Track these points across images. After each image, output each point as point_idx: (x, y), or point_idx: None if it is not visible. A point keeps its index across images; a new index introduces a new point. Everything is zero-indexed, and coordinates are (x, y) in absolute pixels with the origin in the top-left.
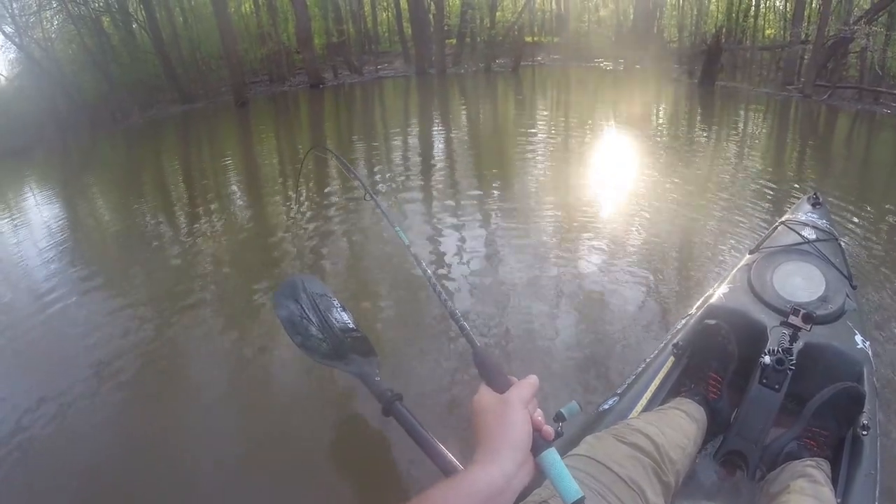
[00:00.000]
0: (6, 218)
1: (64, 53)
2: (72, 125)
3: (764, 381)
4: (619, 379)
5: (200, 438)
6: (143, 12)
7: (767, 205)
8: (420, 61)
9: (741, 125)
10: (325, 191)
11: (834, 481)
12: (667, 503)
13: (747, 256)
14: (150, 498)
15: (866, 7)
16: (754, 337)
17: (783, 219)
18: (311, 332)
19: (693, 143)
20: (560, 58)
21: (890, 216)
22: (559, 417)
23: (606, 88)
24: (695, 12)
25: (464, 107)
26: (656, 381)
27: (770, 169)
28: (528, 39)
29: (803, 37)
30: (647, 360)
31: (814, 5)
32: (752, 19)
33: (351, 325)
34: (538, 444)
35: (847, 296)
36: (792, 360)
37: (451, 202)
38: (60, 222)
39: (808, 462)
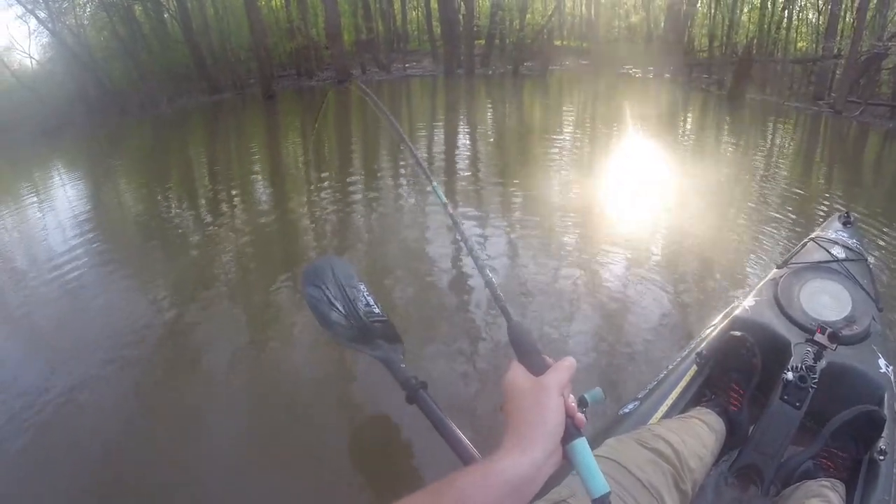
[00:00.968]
0: (32, 196)
1: (95, 40)
2: (100, 111)
3: (785, 397)
4: (640, 384)
5: (220, 419)
6: (174, 2)
7: (793, 220)
8: (448, 61)
9: (770, 138)
10: (349, 179)
11: None
12: None
13: (774, 270)
14: (166, 477)
15: None
16: (778, 352)
17: (812, 235)
18: (338, 315)
19: (721, 155)
20: (589, 63)
21: None
22: (582, 403)
23: (635, 96)
24: (726, 23)
25: (490, 109)
26: (678, 389)
27: (798, 184)
28: (558, 43)
29: (836, 51)
30: (670, 367)
31: (847, 19)
32: (783, 31)
33: (377, 311)
34: (570, 432)
35: (873, 318)
36: (815, 378)
37: (473, 204)
38: (85, 203)
39: (824, 482)
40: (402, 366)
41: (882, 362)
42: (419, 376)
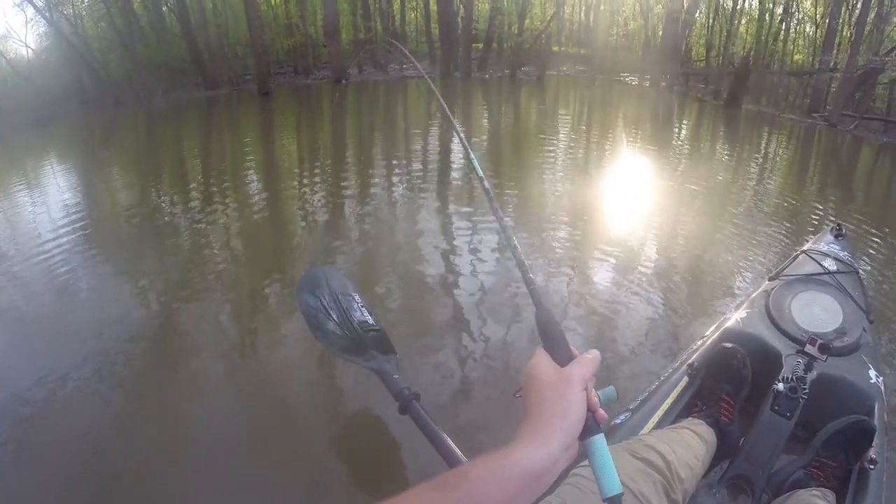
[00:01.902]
0: (24, 186)
1: (93, 31)
2: (95, 102)
3: (776, 407)
4: (631, 394)
5: (209, 425)
6: None
7: (786, 232)
8: (446, 63)
9: (765, 150)
10: (343, 183)
11: None
12: None
13: (766, 283)
14: (151, 475)
15: None
16: (769, 363)
17: (805, 248)
18: (332, 325)
19: (716, 165)
20: (586, 69)
21: None
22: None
23: (631, 104)
24: (724, 33)
25: (486, 112)
26: (669, 400)
27: (791, 196)
28: (555, 49)
29: (832, 64)
30: (661, 378)
31: (844, 33)
32: (781, 43)
33: (371, 321)
34: (589, 427)
35: (864, 330)
36: (805, 389)
37: (464, 208)
38: (77, 195)
39: (815, 492)
40: (396, 377)
41: (872, 373)
42: (412, 387)
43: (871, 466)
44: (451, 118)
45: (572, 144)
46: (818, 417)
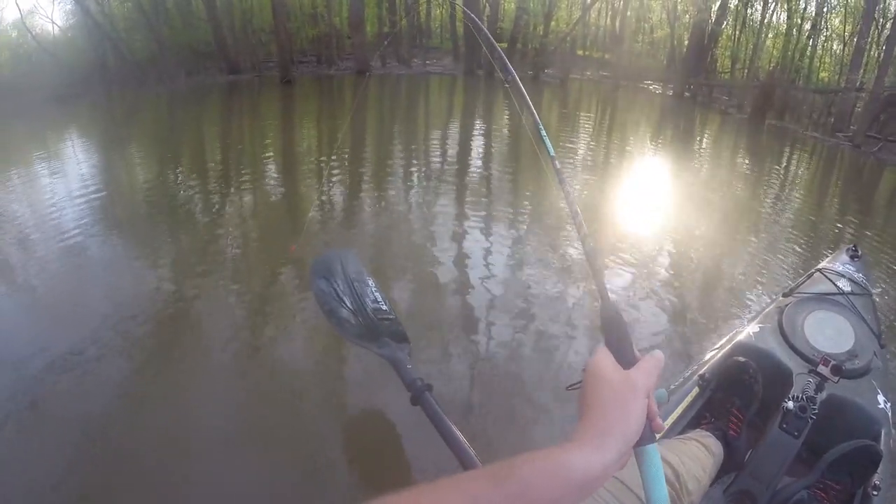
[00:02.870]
0: (44, 161)
1: (119, 11)
2: (118, 81)
3: (784, 425)
4: None
5: (218, 409)
6: None
7: (802, 249)
8: (469, 61)
9: (786, 166)
10: (361, 171)
11: None
12: None
13: (780, 299)
14: (156, 456)
15: None
16: (780, 380)
17: (820, 266)
18: (346, 310)
19: (736, 178)
20: (609, 75)
21: None
22: None
23: (654, 112)
24: (750, 46)
25: (507, 114)
26: (679, 410)
27: (810, 214)
28: (580, 53)
29: (858, 84)
30: (672, 387)
31: (873, 52)
32: (807, 60)
33: (385, 308)
34: (645, 435)
35: (875, 353)
36: (815, 409)
37: (480, 210)
38: (95, 173)
39: None
40: (409, 366)
41: (881, 398)
42: (424, 378)
43: (875, 493)
44: (525, 95)
45: (591, 151)
46: (824, 439)
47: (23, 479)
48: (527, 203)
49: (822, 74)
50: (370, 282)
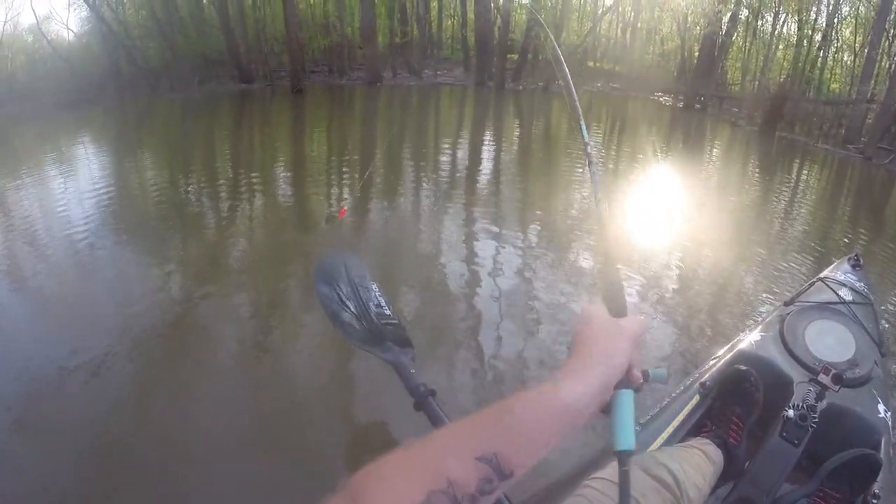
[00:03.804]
0: (56, 165)
1: (133, 18)
2: (131, 88)
3: (784, 434)
4: (643, 408)
5: (222, 411)
6: None
7: (807, 259)
8: (480, 73)
9: (796, 178)
10: (370, 179)
11: None
12: None
13: (781, 307)
14: (159, 457)
15: None
16: (780, 389)
17: (821, 275)
18: (350, 314)
19: (746, 189)
20: (619, 86)
21: None
22: (644, 376)
23: (664, 124)
24: (760, 58)
25: (518, 127)
26: (680, 418)
27: (818, 225)
28: (591, 64)
29: (869, 95)
30: (673, 395)
31: (884, 64)
32: (817, 71)
33: (389, 312)
34: (624, 381)
35: (875, 362)
36: (815, 417)
37: (489, 221)
38: (107, 178)
39: None
40: (412, 371)
41: (881, 407)
42: (428, 383)
43: (875, 501)
44: (572, 86)
45: (602, 162)
46: (825, 447)
47: (26, 481)
48: (538, 212)
49: (833, 86)
50: (374, 286)
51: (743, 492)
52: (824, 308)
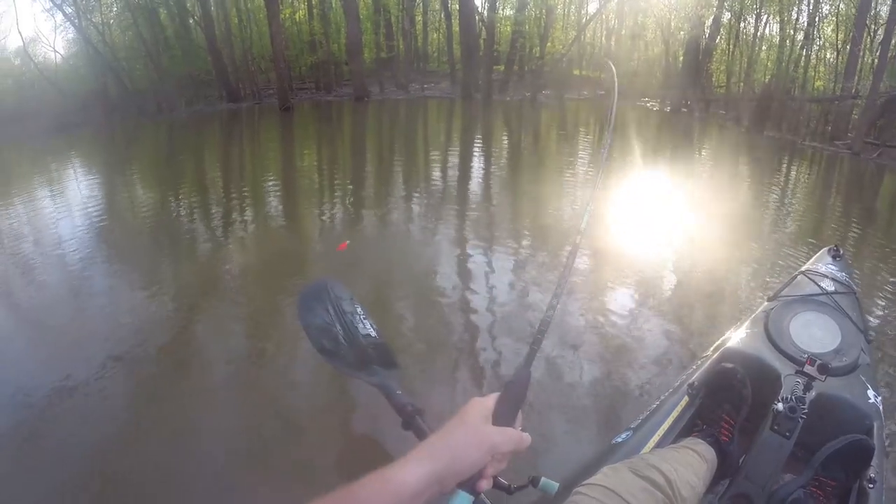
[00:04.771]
0: (46, 189)
1: (119, 40)
2: (119, 109)
3: (775, 427)
4: (632, 414)
5: (213, 435)
6: (199, 8)
7: (795, 255)
8: (466, 85)
9: (786, 177)
10: (360, 195)
11: None
12: None
13: (765, 303)
14: (151, 479)
15: None
16: (768, 383)
17: (803, 269)
18: (334, 340)
19: (735, 190)
20: (606, 94)
21: None
22: (534, 482)
23: (651, 129)
24: (744, 59)
25: (506, 137)
26: (670, 419)
27: (807, 222)
28: (576, 73)
29: (854, 91)
30: (662, 397)
31: (867, 59)
32: (801, 70)
33: (374, 334)
34: (469, 484)
35: (862, 349)
36: (804, 408)
37: (480, 231)
38: (97, 200)
39: None
40: (399, 392)
41: (871, 392)
42: (415, 402)
43: (871, 486)
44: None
45: (589, 171)
46: (817, 437)
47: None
48: (525, 231)
49: (818, 83)
50: (358, 308)
51: (739, 487)
52: (807, 300)
